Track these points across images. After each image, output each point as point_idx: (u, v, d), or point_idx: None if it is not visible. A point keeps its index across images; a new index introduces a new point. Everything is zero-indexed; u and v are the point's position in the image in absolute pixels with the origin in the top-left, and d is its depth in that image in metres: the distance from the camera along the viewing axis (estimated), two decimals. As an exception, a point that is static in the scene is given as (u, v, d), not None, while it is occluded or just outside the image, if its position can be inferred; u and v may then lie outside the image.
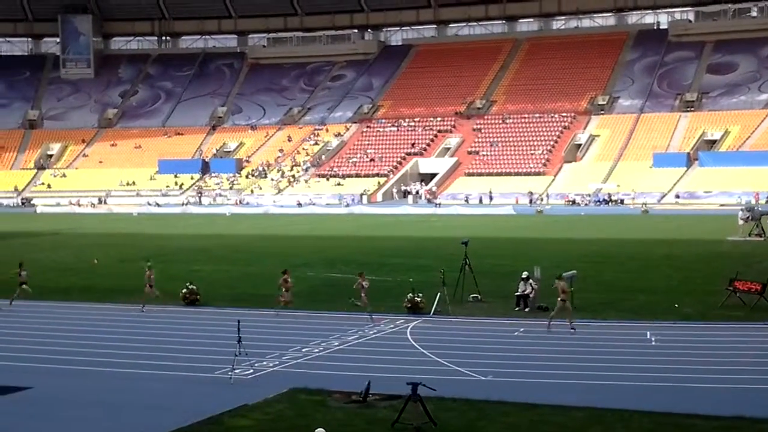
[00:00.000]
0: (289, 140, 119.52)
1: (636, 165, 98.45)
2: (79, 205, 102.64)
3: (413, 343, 24.53)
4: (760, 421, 16.46)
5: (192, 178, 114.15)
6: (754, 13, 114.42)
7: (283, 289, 28.66)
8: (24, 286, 31.12)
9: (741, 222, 53.94)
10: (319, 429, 13.02)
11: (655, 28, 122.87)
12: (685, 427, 16.41)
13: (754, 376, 20.53)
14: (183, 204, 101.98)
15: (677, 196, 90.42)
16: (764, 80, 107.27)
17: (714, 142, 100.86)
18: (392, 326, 26.90)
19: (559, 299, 25.62)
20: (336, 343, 24.48)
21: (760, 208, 57.57)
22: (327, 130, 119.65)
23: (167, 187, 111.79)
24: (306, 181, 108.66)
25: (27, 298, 31.02)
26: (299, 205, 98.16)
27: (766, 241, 50.42)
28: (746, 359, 22.15)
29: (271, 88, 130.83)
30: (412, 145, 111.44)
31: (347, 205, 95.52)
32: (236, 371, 20.64)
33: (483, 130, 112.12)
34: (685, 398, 18.60)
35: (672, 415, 17.11)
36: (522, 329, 26.22)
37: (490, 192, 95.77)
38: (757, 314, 27.42)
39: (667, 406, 17.76)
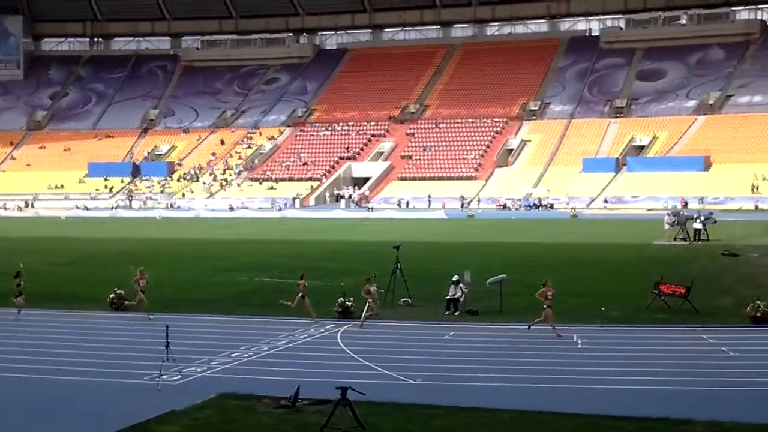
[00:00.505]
0: (222, 144, 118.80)
1: (566, 170, 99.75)
2: (5, 209, 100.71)
3: (343, 347, 24.54)
4: (684, 422, 16.77)
5: (122, 182, 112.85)
6: (683, 21, 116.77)
7: (299, 294, 27.78)
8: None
9: (667, 226, 54.90)
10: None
11: (586, 35, 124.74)
12: (610, 428, 16.66)
13: (678, 378, 20.91)
14: (113, 208, 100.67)
15: (606, 201, 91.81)
16: (692, 87, 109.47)
17: (642, 147, 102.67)
18: (323, 331, 26.87)
19: (543, 305, 25.57)
20: (266, 348, 24.38)
21: (685, 213, 58.62)
22: (260, 134, 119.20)
23: (97, 190, 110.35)
24: (239, 185, 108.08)
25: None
26: (231, 209, 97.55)
27: (690, 246, 51.38)
28: (670, 361, 22.57)
29: (205, 91, 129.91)
30: (347, 149, 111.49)
31: (280, 209, 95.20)
32: (164, 377, 20.43)
33: (416, 135, 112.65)
34: (611, 400, 18.88)
35: (598, 416, 17.35)
36: (452, 333, 26.38)
37: (429, 196, 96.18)
38: (681, 317, 27.94)
39: (592, 407, 18.01)
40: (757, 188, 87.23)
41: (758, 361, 22.43)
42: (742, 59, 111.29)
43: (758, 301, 27.41)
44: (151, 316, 28.60)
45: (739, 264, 41.89)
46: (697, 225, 53.87)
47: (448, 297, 29.65)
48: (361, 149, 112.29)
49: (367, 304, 27.23)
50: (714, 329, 25.94)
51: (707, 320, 27.17)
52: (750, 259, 43.59)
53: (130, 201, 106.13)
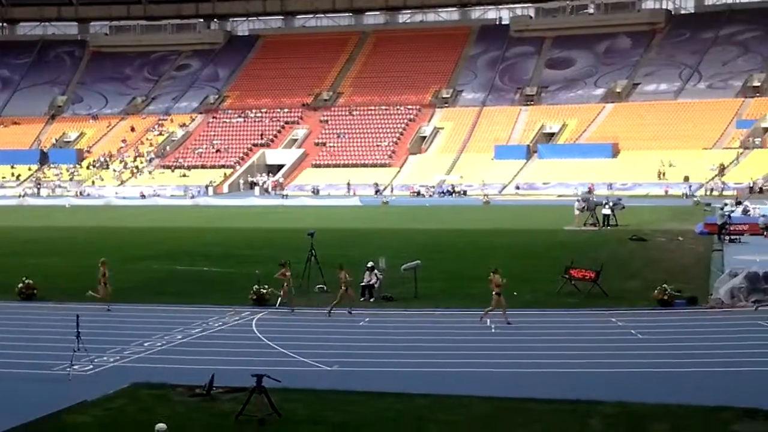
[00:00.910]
0: (132, 130, 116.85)
1: (479, 157, 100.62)
2: None
3: (259, 335, 24.46)
4: (594, 403, 17.12)
5: (30, 169, 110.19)
6: (591, 10, 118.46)
7: (284, 284, 27.67)
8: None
9: (577, 212, 55.80)
10: (160, 424, 12.81)
11: (497, 23, 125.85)
12: (522, 410, 16.92)
13: (589, 360, 21.35)
14: (20, 196, 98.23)
15: (517, 187, 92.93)
16: (600, 75, 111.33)
17: (552, 134, 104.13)
18: (237, 318, 26.73)
19: (493, 293, 25.66)
20: (179, 337, 24.17)
21: (594, 199, 59.67)
22: (172, 121, 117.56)
23: (3, 178, 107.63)
24: (150, 173, 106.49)
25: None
26: (143, 196, 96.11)
27: (600, 231, 52.36)
28: (581, 344, 23.02)
29: (114, 77, 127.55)
30: (261, 136, 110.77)
31: (193, 197, 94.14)
32: (75, 367, 20.10)
33: (330, 122, 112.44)
34: (525, 383, 19.20)
35: (510, 399, 17.62)
36: (367, 319, 26.50)
37: (348, 183, 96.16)
38: (590, 301, 28.51)
39: (507, 390, 18.29)
40: (664, 174, 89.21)
41: (665, 343, 23.02)
42: (648, 48, 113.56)
43: (665, 285, 28.11)
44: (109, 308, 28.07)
45: (646, 248, 42.84)
46: (606, 211, 54.89)
47: (363, 283, 29.74)
48: (275, 136, 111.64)
49: (340, 291, 27.17)
50: (623, 312, 26.53)
51: (616, 303, 27.78)
52: (657, 244, 44.60)
53: (38, 189, 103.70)
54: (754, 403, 16.55)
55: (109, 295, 28.54)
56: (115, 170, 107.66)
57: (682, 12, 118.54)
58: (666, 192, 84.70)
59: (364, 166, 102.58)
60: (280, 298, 27.96)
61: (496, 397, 17.72)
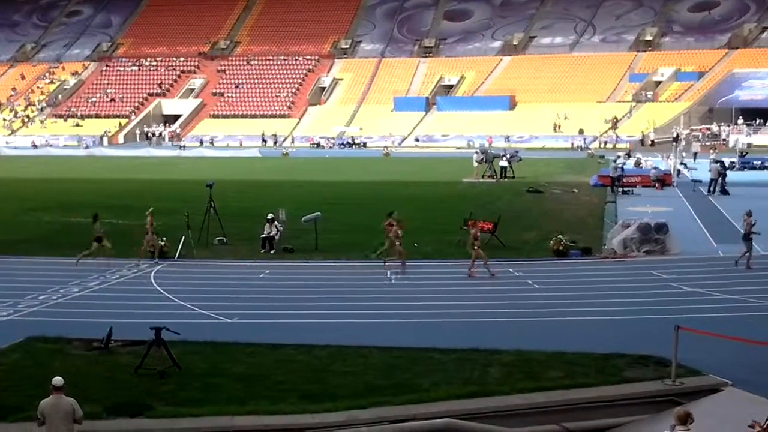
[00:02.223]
0: (22, 78, 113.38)
1: (378, 109, 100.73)
2: None
3: (157, 287, 24.16)
4: (494, 352, 17.40)
5: None
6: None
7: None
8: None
9: (476, 164, 56.39)
10: (56, 378, 12.57)
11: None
12: (422, 360, 17.10)
13: (487, 309, 21.70)
14: None
15: (417, 139, 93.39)
16: (497, 28, 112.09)
17: (451, 87, 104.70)
18: (135, 271, 26.35)
19: (473, 245, 25.62)
20: (76, 290, 23.71)
21: (492, 151, 60.35)
22: (63, 69, 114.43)
23: None
24: (42, 122, 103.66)
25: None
26: (34, 146, 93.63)
27: (497, 183, 53.04)
28: (480, 294, 23.38)
29: (2, 23, 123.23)
30: (160, 85, 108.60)
31: (87, 147, 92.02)
32: (-33, 322, 19.58)
33: (228, 72, 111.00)
34: (423, 333, 19.41)
35: (410, 349, 17.79)
36: (268, 271, 26.41)
37: (263, 134, 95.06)
38: (489, 251, 28.85)
39: (409, 340, 18.45)
40: (559, 127, 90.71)
41: (561, 292, 23.54)
42: (544, 1, 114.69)
43: (560, 236, 28.69)
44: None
45: (543, 200, 43.60)
46: (504, 163, 55.63)
47: (263, 235, 29.59)
48: (171, 86, 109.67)
49: (387, 243, 26.49)
50: (520, 263, 27.00)
51: (513, 254, 28.26)
52: (553, 196, 45.40)
53: None
54: (646, 350, 17.06)
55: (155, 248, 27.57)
56: (5, 119, 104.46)
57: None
58: (573, 145, 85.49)
59: (263, 116, 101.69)
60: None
61: (396, 347, 17.87)
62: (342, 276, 25.83)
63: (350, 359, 17.22)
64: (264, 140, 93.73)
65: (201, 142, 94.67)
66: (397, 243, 26.11)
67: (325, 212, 32.49)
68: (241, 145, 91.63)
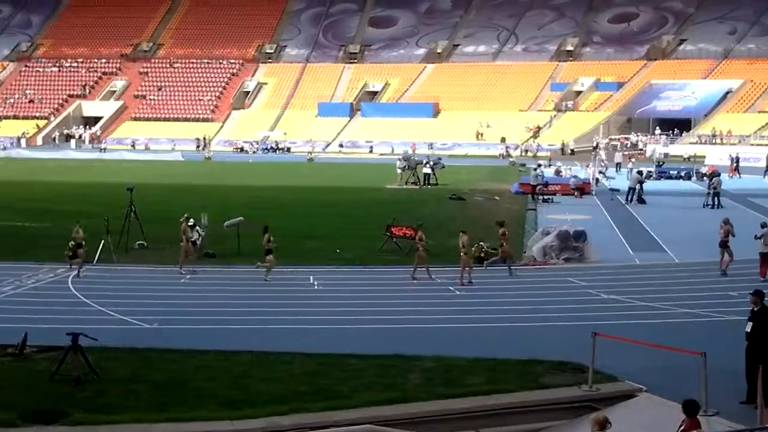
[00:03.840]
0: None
1: (302, 114, 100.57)
2: None
3: (75, 292, 23.77)
4: (415, 358, 17.51)
5: None
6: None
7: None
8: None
9: (399, 171, 56.63)
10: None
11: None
12: (344, 366, 17.13)
13: (409, 316, 21.81)
14: None
15: (341, 145, 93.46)
16: (422, 35, 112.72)
17: (375, 93, 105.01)
18: (52, 275, 25.88)
19: (418, 248, 25.86)
20: (-10, 295, 23.22)
21: (415, 158, 60.67)
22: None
23: None
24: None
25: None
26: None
27: (421, 189, 53.35)
28: (402, 300, 23.49)
29: None
30: (84, 86, 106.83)
31: (5, 149, 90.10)
32: None
33: (150, 74, 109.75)
34: (346, 339, 19.43)
35: (332, 355, 17.80)
36: (189, 276, 26.18)
37: (202, 138, 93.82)
38: (411, 258, 29.00)
39: (331, 347, 18.46)
40: (482, 135, 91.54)
41: (481, 299, 23.79)
42: (468, 10, 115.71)
43: (482, 243, 28.96)
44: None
45: (465, 207, 43.94)
46: (427, 170, 55.97)
47: (184, 240, 29.27)
48: (92, 87, 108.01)
49: (417, 254, 26.20)
50: (442, 269, 27.15)
51: (436, 261, 28.33)
52: (475, 203, 45.83)
53: None
54: (564, 357, 17.32)
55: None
56: None
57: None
58: (508, 151, 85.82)
59: (186, 120, 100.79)
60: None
61: (319, 354, 17.87)
62: (264, 281, 25.69)
63: (271, 366, 17.17)
64: (200, 144, 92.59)
65: (133, 145, 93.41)
66: (420, 248, 25.99)
67: (248, 217, 32.31)
68: (174, 149, 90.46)
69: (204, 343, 18.66)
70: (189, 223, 27.43)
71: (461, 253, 25.58)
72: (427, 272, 26.01)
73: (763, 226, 26.37)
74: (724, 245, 26.81)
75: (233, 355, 17.79)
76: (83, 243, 26.69)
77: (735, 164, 61.35)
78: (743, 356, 15.20)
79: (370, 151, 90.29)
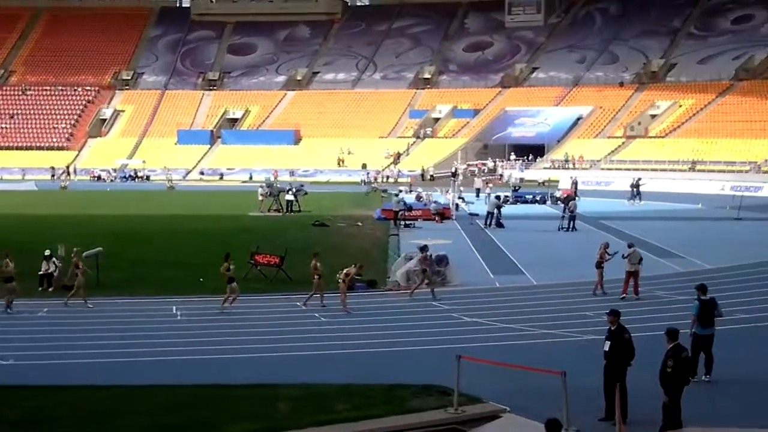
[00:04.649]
0: None
1: (161, 141, 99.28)
2: None
3: (-76, 330, 22.75)
4: (282, 386, 17.42)
5: None
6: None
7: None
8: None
9: (261, 198, 56.41)
10: None
11: (177, 5, 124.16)
12: (211, 397, 16.90)
13: (276, 344, 21.66)
14: None
15: (202, 173, 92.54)
16: (281, 63, 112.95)
17: (236, 120, 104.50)
18: None
19: (315, 277, 25.59)
20: None
21: (278, 185, 60.55)
22: None
23: None
24: None
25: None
26: None
27: (284, 216, 53.25)
28: (268, 329, 23.37)
29: None
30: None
31: None
32: None
33: (1, 102, 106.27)
34: (211, 370, 19.19)
35: (198, 386, 17.55)
36: (46, 309, 25.43)
37: (68, 167, 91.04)
38: (276, 285, 29.01)
39: (194, 378, 18.20)
40: (343, 162, 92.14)
41: (347, 325, 23.89)
42: (327, 38, 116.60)
43: (348, 269, 29.04)
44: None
45: (329, 234, 44.04)
46: (290, 197, 55.90)
47: (41, 272, 28.48)
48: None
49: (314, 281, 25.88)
50: (306, 296, 27.12)
51: (301, 288, 28.35)
52: (339, 229, 46.00)
53: None
54: (429, 380, 17.55)
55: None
56: None
57: (358, 4, 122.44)
58: (370, 178, 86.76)
59: (40, 148, 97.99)
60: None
61: (185, 386, 17.61)
62: (126, 313, 25.16)
63: (137, 399, 16.82)
64: (55, 173, 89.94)
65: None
66: (317, 276, 25.77)
67: (107, 247, 31.61)
68: (23, 178, 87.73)
69: (62, 378, 18.14)
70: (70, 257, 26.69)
71: (315, 276, 25.72)
72: (321, 299, 25.97)
73: (629, 246, 27.45)
74: (599, 266, 27.72)
75: (96, 391, 17.34)
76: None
77: (574, 187, 63.35)
78: (601, 375, 15.72)
79: (251, 178, 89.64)
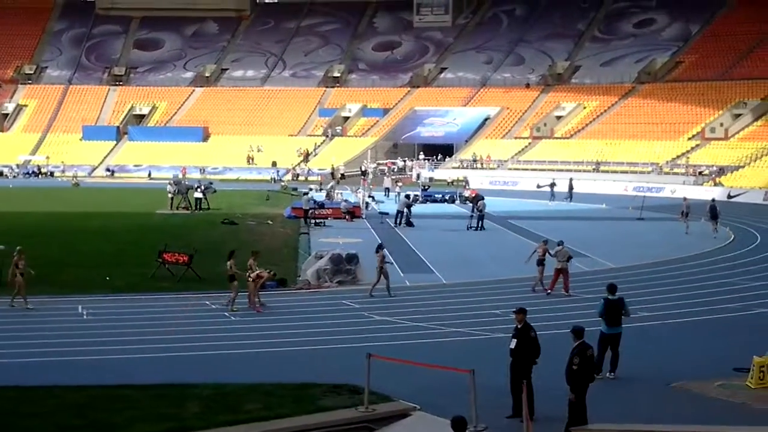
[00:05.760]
0: None
1: (66, 137, 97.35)
2: None
3: None
4: (192, 386, 17.27)
5: None
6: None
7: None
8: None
9: (169, 195, 55.75)
10: None
11: (81, 0, 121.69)
12: (117, 398, 16.64)
13: (184, 344, 21.46)
14: None
15: (108, 169, 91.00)
16: (189, 58, 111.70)
17: (143, 116, 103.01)
18: None
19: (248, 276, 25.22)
20: None
21: (186, 182, 59.92)
22: None
23: None
24: None
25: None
26: None
27: (192, 214, 52.72)
28: (176, 328, 23.11)
29: None
30: None
31: None
32: None
33: None
34: (117, 369, 18.92)
35: (105, 387, 17.28)
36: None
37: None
38: (184, 284, 28.72)
39: (99, 378, 17.92)
40: (253, 159, 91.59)
41: (257, 324, 23.80)
42: (235, 34, 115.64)
43: (260, 271, 28.91)
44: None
45: (238, 232, 43.76)
46: (198, 194, 55.35)
47: (-60, 271, 27.66)
48: None
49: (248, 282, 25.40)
50: (216, 295, 26.96)
51: (210, 286, 28.18)
52: (248, 227, 45.76)
53: None
54: (340, 379, 17.60)
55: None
56: None
57: (267, 1, 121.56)
58: (297, 176, 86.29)
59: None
60: None
61: (91, 386, 17.30)
62: (27, 313, 24.61)
63: (38, 400, 16.45)
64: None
65: None
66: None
67: (8, 246, 30.83)
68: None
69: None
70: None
71: (249, 276, 25.45)
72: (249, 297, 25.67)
73: (559, 243, 27.95)
74: (540, 263, 28.14)
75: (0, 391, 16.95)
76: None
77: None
78: (508, 372, 15.97)
79: (149, 175, 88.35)
